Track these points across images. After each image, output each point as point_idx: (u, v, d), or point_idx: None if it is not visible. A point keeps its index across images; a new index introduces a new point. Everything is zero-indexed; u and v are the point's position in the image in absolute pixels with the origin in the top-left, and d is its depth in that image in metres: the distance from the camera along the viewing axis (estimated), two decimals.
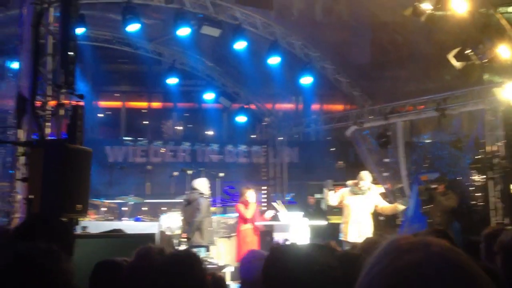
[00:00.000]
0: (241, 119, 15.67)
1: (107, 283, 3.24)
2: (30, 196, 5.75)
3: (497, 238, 2.96)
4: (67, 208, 5.71)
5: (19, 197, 6.72)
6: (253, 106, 16.41)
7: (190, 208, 9.69)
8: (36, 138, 6.67)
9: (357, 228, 9.08)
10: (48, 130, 6.96)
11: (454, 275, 0.83)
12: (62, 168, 5.62)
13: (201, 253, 9.18)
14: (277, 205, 10.31)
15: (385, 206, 9.50)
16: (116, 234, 6.18)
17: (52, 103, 7.10)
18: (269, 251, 2.37)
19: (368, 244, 3.45)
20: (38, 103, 6.90)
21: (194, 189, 9.80)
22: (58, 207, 5.62)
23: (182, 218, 10.08)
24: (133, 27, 10.74)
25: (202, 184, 9.85)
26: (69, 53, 6.53)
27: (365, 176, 9.46)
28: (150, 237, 6.55)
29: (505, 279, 2.18)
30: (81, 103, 6.73)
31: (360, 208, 9.23)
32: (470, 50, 10.12)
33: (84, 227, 7.28)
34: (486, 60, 10.33)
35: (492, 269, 2.43)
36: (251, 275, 3.28)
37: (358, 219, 9.16)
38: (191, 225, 9.50)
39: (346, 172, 16.86)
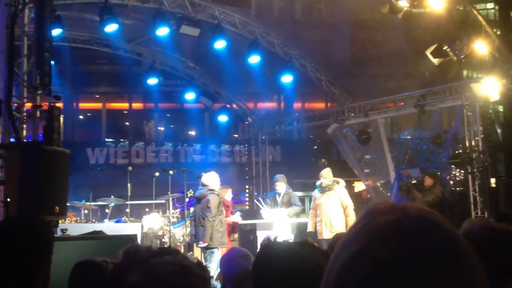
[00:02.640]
0: (223, 118, 15.67)
1: (87, 283, 3.21)
2: (8, 199, 5.67)
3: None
4: (45, 210, 5.64)
5: None
6: (234, 106, 16.40)
7: (200, 207, 9.01)
8: (13, 141, 6.58)
9: (329, 225, 9.29)
10: (25, 133, 6.88)
11: (433, 231, 0.83)
12: (38, 170, 5.56)
13: (213, 255, 8.80)
14: (260, 203, 10.32)
15: (346, 203, 9.62)
16: (96, 236, 6.15)
17: (28, 105, 7.01)
18: (260, 248, 2.38)
19: (336, 240, 3.47)
20: (14, 105, 6.81)
21: (204, 185, 9.06)
22: (35, 210, 5.55)
23: (192, 218, 9.58)
24: (111, 28, 10.67)
25: (212, 179, 9.10)
26: (44, 54, 6.45)
27: (325, 173, 9.72)
28: (131, 238, 6.53)
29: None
30: (58, 104, 6.64)
31: (329, 204, 9.47)
32: (447, 47, 10.23)
33: (64, 230, 7.21)
34: (463, 56, 10.45)
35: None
36: (232, 272, 3.28)
37: (329, 216, 9.39)
38: (202, 226, 8.84)
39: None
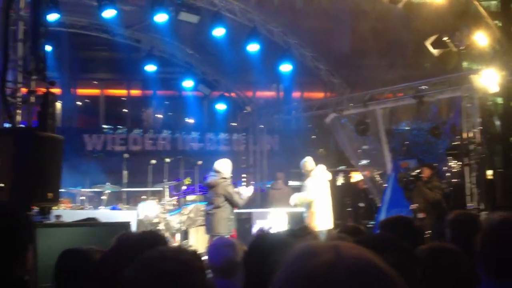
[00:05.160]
0: (221, 107, 15.61)
1: (72, 272, 3.20)
2: (1, 185, 5.65)
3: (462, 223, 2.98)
4: (38, 196, 5.63)
5: None
6: (233, 94, 16.34)
7: (211, 194, 8.82)
8: (7, 126, 6.55)
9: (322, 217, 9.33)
10: (19, 118, 6.84)
11: (367, 275, 0.83)
12: (32, 156, 5.52)
13: None
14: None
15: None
16: (89, 222, 6.12)
17: (24, 90, 6.97)
18: (252, 238, 2.36)
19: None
20: (8, 90, 6.76)
21: (217, 171, 8.86)
22: (28, 196, 5.53)
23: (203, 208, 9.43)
24: (109, 13, 10.58)
25: (225, 166, 8.91)
26: (40, 39, 6.40)
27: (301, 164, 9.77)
28: (124, 225, 6.50)
29: (485, 262, 2.19)
30: (55, 90, 6.60)
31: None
32: (447, 38, 10.16)
33: (58, 216, 7.19)
34: (463, 48, 10.39)
35: (456, 251, 2.45)
36: (218, 261, 3.27)
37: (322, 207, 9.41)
38: (210, 214, 8.74)
39: (327, 160, 16.92)
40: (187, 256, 1.60)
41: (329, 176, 9.90)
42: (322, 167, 9.71)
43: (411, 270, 1.85)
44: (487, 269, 2.15)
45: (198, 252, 1.78)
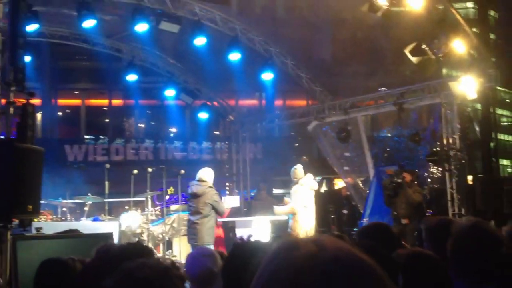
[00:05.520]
0: (204, 115, 15.59)
1: (52, 281, 3.17)
2: None
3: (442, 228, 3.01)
4: (18, 209, 5.56)
5: None
6: (215, 103, 16.34)
7: (197, 203, 8.69)
8: None
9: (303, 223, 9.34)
10: None
11: (349, 263, 0.85)
12: (11, 168, 5.46)
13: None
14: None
15: None
16: (70, 234, 6.06)
17: (2, 101, 6.89)
18: (232, 247, 2.37)
19: None
20: None
21: (202, 180, 8.77)
22: (8, 208, 5.46)
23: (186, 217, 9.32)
24: (89, 23, 10.53)
25: (209, 175, 8.85)
26: (18, 49, 6.34)
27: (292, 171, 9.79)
28: (106, 236, 6.45)
29: (455, 266, 2.24)
30: (34, 101, 6.54)
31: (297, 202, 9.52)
32: (425, 45, 10.30)
33: (39, 228, 7.09)
34: (441, 55, 10.55)
35: (434, 256, 2.49)
36: (195, 271, 3.26)
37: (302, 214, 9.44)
38: (197, 224, 8.62)
39: (310, 167, 16.99)
40: (165, 267, 1.61)
41: (316, 186, 9.95)
42: (310, 176, 9.77)
43: (390, 276, 1.87)
44: (458, 273, 2.20)
45: (176, 263, 1.79)
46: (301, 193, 9.48)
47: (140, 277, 1.54)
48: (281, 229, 9.91)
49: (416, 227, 9.29)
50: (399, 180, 10.37)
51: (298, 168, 9.80)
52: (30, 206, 5.56)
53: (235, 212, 12.47)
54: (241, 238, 2.44)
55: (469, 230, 2.29)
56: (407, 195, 10.06)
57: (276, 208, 9.90)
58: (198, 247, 3.69)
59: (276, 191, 15.27)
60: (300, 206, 9.39)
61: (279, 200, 10.87)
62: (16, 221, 5.94)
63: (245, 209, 13.05)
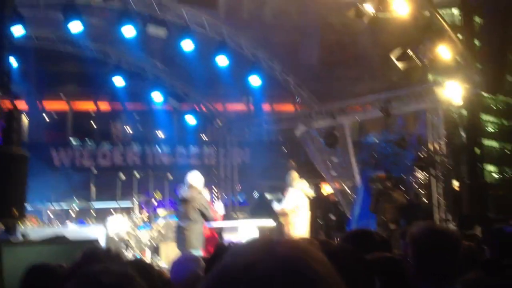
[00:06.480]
0: (191, 120, 15.56)
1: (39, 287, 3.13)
2: None
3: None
4: (3, 213, 5.50)
5: None
6: (203, 107, 16.31)
7: (186, 208, 8.57)
8: None
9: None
10: None
11: (288, 273, 0.82)
12: None
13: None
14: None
15: None
16: (56, 240, 6.00)
17: None
18: (214, 250, 2.37)
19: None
20: None
21: (191, 185, 8.67)
22: None
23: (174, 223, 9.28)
24: (75, 26, 10.46)
25: (198, 180, 8.73)
26: (3, 52, 6.29)
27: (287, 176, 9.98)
28: (92, 242, 6.41)
29: (416, 270, 2.30)
30: (20, 105, 6.49)
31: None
32: (411, 51, 10.39)
33: (25, 234, 7.03)
34: (427, 61, 10.64)
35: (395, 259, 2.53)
36: (181, 276, 3.26)
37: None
38: (186, 230, 8.51)
39: (298, 172, 17.01)
40: (128, 270, 1.60)
41: (312, 193, 10.10)
42: (305, 183, 9.94)
43: (365, 279, 1.89)
44: (419, 276, 2.25)
45: (147, 268, 1.77)
46: (296, 196, 9.62)
47: (99, 281, 1.52)
48: (268, 233, 9.91)
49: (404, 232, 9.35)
50: (389, 185, 10.49)
51: (293, 174, 9.99)
52: (15, 210, 5.51)
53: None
54: (222, 244, 2.46)
55: (425, 233, 2.36)
56: (393, 197, 10.17)
57: (276, 205, 10.01)
58: (183, 254, 3.68)
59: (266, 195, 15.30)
60: (295, 208, 9.52)
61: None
62: (1, 227, 5.89)
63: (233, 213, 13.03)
